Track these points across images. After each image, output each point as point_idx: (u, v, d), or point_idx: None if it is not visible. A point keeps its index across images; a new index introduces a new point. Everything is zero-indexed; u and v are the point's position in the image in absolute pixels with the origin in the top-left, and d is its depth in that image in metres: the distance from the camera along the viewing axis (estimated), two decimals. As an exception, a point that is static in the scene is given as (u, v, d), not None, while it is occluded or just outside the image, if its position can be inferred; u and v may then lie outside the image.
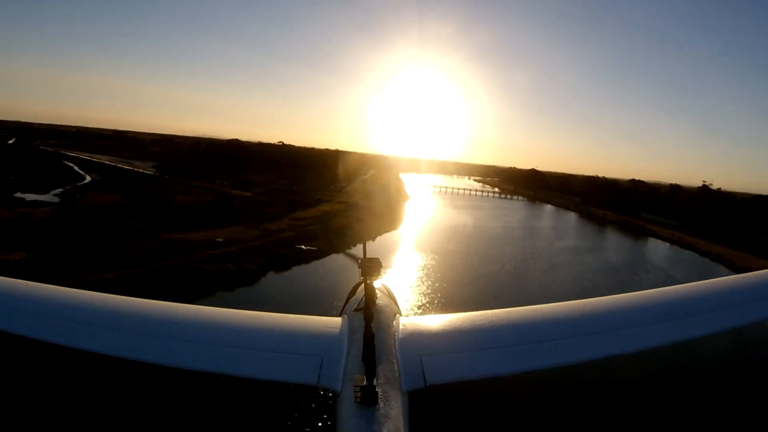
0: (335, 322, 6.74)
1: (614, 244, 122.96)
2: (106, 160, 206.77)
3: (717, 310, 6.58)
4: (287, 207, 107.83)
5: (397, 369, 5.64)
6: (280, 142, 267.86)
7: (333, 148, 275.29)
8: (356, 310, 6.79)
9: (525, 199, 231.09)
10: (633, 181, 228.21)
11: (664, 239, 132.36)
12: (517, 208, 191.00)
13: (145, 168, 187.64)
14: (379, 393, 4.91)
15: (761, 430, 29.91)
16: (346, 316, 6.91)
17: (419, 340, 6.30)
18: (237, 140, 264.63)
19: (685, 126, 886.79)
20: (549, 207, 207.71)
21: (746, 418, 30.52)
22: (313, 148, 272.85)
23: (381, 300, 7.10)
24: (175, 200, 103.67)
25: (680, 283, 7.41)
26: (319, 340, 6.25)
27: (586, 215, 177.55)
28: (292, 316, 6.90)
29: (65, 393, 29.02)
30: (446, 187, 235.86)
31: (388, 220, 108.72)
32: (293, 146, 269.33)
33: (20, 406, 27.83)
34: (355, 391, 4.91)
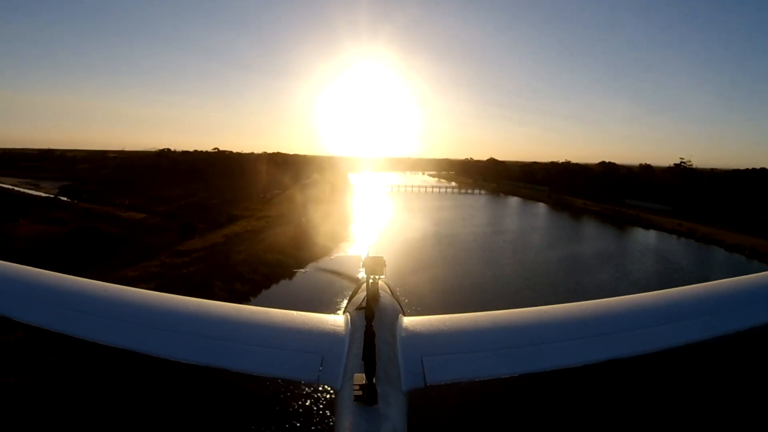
0: (337, 319, 6.44)
1: (619, 245, 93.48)
2: (9, 183, 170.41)
3: (719, 312, 6.29)
4: (181, 233, 75.42)
5: (397, 368, 5.44)
6: (215, 148, 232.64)
7: (282, 152, 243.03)
8: (358, 308, 6.43)
9: (486, 192, 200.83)
10: (603, 164, 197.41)
11: (672, 231, 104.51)
12: (480, 204, 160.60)
13: (49, 189, 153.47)
14: (379, 392, 4.75)
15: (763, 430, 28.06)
16: (348, 314, 6.57)
17: (420, 339, 6.02)
18: (167, 150, 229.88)
19: (634, 106, 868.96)
20: (515, 200, 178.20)
21: (748, 420, 27.96)
22: (251, 153, 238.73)
23: (383, 299, 6.77)
24: (21, 235, 70.33)
25: None
26: (321, 338, 6.00)
27: (561, 206, 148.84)
28: (294, 312, 6.56)
29: (66, 383, 28.01)
30: (400, 186, 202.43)
31: (324, 238, 78.07)
32: (230, 152, 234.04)
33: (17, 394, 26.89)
34: (355, 390, 4.74)
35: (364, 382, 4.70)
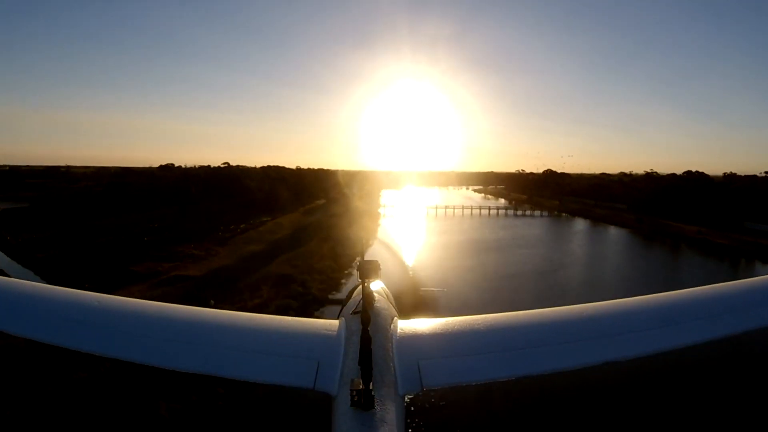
0: (332, 324, 6.22)
1: None
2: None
3: (718, 315, 6.01)
4: None
5: (393, 372, 5.23)
6: (225, 163, 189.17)
7: (320, 167, 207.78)
8: (354, 312, 6.27)
9: (546, 213, 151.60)
10: (690, 174, 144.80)
11: None
12: (551, 235, 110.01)
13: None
14: (376, 396, 4.55)
15: None
16: (343, 318, 6.36)
17: (416, 343, 5.82)
18: (170, 165, 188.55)
19: (678, 115, 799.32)
20: (588, 225, 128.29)
21: (745, 423, 26.88)
22: (268, 166, 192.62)
23: (379, 303, 6.52)
24: None
25: None
26: (316, 343, 5.79)
27: (666, 237, 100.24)
28: (289, 318, 6.40)
29: (59, 393, 27.17)
30: (440, 207, 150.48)
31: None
32: (242, 167, 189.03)
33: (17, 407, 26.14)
34: (351, 395, 4.53)
35: (360, 386, 4.47)
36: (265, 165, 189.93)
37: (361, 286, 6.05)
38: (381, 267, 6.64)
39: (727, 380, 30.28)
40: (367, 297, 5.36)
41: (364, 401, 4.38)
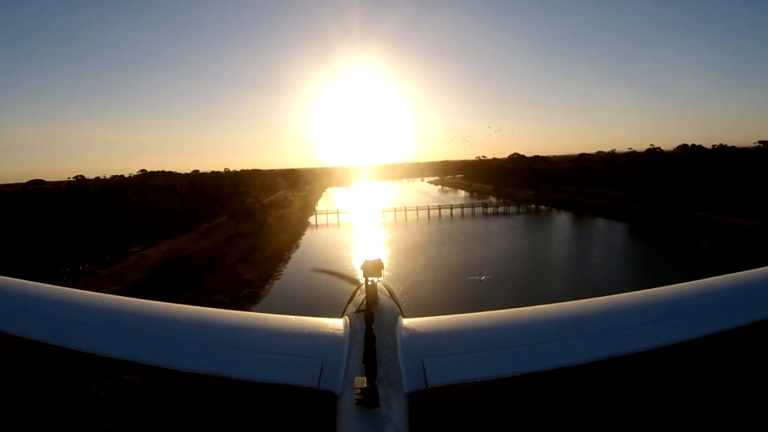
0: (336, 323, 6.12)
1: None
2: None
3: (719, 309, 5.93)
4: None
5: (398, 370, 5.17)
6: (141, 170, 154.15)
7: (261, 168, 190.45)
8: (358, 311, 6.15)
9: (522, 209, 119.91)
10: (685, 147, 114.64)
11: None
12: (552, 246, 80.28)
13: None
14: (381, 395, 4.50)
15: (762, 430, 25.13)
16: (347, 317, 6.27)
17: (421, 341, 5.74)
18: (82, 176, 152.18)
19: (628, 91, 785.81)
20: (579, 221, 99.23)
21: (749, 419, 24.88)
22: (150, 172, 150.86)
23: (382, 301, 6.43)
24: None
25: None
26: (320, 342, 5.71)
27: (701, 234, 70.89)
28: (293, 317, 6.20)
29: (64, 393, 26.54)
30: (388, 210, 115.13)
31: None
32: (161, 173, 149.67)
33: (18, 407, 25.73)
34: (356, 393, 4.51)
35: (365, 385, 4.41)
36: (141, 170, 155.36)
37: (364, 285, 5.90)
38: (384, 265, 6.32)
39: (731, 374, 27.90)
40: (371, 295, 5.31)
41: (368, 400, 4.26)
